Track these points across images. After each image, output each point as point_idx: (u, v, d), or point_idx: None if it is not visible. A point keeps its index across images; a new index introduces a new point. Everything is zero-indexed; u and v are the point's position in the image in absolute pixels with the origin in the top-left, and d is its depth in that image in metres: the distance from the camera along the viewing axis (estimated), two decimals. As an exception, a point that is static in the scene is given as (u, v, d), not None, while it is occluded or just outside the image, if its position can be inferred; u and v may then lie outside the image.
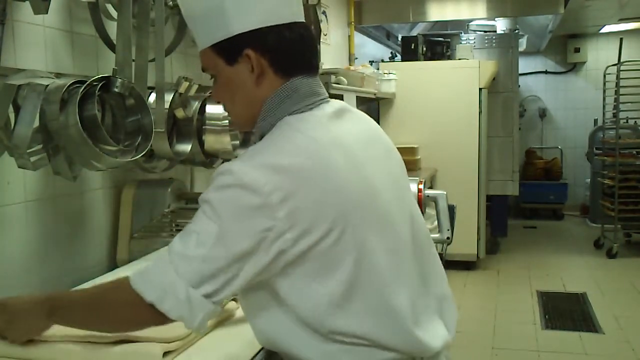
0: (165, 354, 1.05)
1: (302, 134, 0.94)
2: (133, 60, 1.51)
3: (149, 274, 0.92)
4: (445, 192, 2.09)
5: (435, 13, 5.40)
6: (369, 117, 1.14)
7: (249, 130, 1.04)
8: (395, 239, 0.99)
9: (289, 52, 0.96)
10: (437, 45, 5.33)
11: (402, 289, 0.98)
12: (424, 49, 5.28)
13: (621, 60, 5.41)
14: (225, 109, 1.07)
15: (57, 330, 1.09)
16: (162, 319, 0.91)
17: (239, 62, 0.96)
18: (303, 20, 0.99)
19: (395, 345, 0.96)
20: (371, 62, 5.27)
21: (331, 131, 0.97)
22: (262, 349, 1.10)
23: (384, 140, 1.11)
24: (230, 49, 0.95)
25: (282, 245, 0.88)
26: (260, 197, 0.87)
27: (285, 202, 0.87)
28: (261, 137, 0.98)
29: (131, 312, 0.94)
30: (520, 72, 5.65)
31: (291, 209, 0.87)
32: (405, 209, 1.05)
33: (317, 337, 0.95)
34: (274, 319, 0.97)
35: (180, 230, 1.80)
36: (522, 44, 6.45)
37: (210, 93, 1.07)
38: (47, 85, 1.27)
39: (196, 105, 1.82)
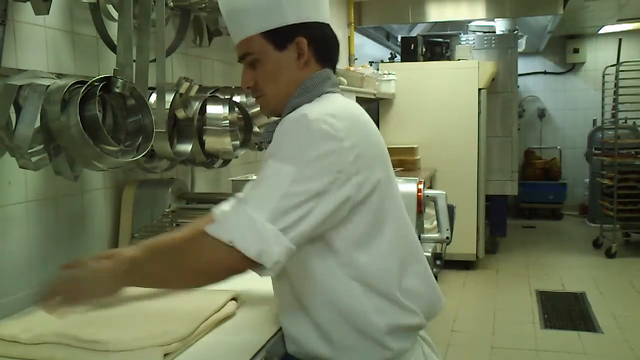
0: (166, 355, 1.05)
1: (347, 102, 1.13)
2: (134, 61, 1.51)
3: (225, 219, 0.97)
4: (444, 192, 2.09)
5: (435, 14, 5.41)
6: None
7: (275, 112, 1.15)
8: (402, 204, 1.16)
9: (327, 46, 1.14)
10: (437, 45, 5.34)
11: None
12: (424, 49, 5.29)
13: (620, 61, 5.42)
14: (259, 92, 1.15)
15: (57, 331, 1.10)
16: (242, 260, 0.94)
17: (288, 48, 1.10)
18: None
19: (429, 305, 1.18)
20: (371, 63, 5.28)
21: (362, 110, 1.15)
22: (262, 349, 1.10)
23: None
24: (283, 36, 1.08)
25: (350, 189, 1.00)
26: (335, 141, 0.99)
27: (353, 148, 1.00)
28: (289, 112, 1.07)
29: (214, 257, 0.97)
30: (519, 72, 5.66)
31: (357, 155, 1.01)
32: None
33: (371, 294, 1.06)
34: (331, 275, 1.05)
35: (180, 230, 1.80)
36: (521, 45, 6.46)
37: (239, 83, 1.18)
38: (48, 86, 1.28)
39: (197, 105, 1.83)
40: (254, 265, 0.96)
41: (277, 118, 1.16)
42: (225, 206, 1.01)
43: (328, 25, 1.14)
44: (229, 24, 1.13)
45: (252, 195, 0.98)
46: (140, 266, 1.05)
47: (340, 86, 3.48)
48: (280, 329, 1.19)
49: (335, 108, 1.05)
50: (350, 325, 1.07)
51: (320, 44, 1.12)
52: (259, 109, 2.05)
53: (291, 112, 1.07)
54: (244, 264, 0.96)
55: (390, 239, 1.08)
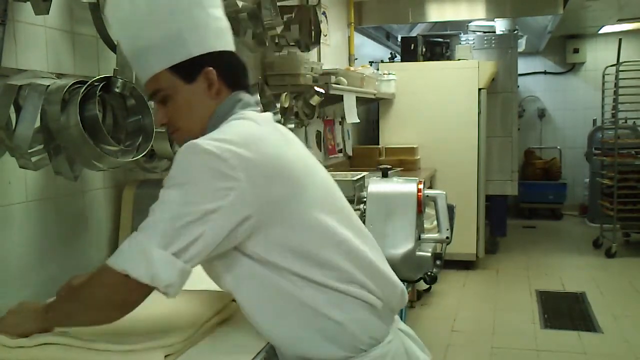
0: (167, 356, 1.05)
1: (248, 120, 1.11)
2: (134, 61, 1.51)
3: (121, 250, 1.00)
4: (444, 192, 2.09)
5: (435, 14, 5.40)
6: None
7: None
8: (335, 202, 1.15)
9: (234, 71, 1.16)
10: (437, 45, 5.34)
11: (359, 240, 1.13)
12: (424, 49, 5.29)
13: (620, 61, 5.42)
14: (174, 127, 1.15)
15: (58, 334, 1.10)
16: (138, 287, 0.97)
17: (197, 80, 1.10)
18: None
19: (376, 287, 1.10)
20: (371, 63, 5.28)
21: (269, 121, 1.16)
22: (262, 350, 1.10)
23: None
24: (190, 69, 1.09)
25: (246, 208, 0.99)
26: (220, 161, 0.98)
27: (242, 164, 0.99)
28: None
29: (111, 289, 1.00)
30: (519, 72, 5.66)
31: (249, 174, 0.99)
32: (335, 188, 1.19)
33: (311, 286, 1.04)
34: (264, 283, 1.05)
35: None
36: (521, 45, 6.46)
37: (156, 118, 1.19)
38: (48, 86, 1.28)
39: (196, 105, 1.83)
40: (151, 290, 0.98)
41: None
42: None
43: (233, 52, 1.16)
44: (135, 63, 1.14)
45: (144, 223, 1.00)
46: (55, 306, 1.10)
47: (340, 86, 3.44)
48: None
49: (226, 132, 1.05)
50: (310, 327, 1.06)
51: (227, 71, 1.14)
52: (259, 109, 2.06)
53: None
54: (141, 290, 0.98)
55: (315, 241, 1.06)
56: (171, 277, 0.96)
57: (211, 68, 1.10)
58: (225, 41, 1.15)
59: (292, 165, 1.08)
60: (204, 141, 1.00)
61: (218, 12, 1.15)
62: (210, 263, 1.06)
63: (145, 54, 1.09)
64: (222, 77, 1.12)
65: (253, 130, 1.08)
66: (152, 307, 1.26)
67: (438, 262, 2.23)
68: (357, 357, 1.08)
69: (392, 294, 1.16)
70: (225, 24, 1.16)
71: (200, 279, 1.53)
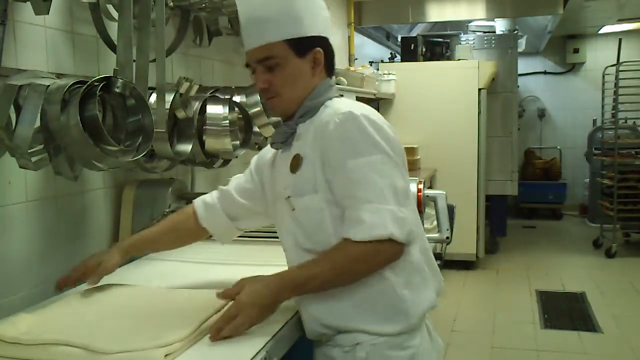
0: (167, 355, 1.05)
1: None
2: (134, 61, 1.52)
3: (367, 222, 1.11)
4: (444, 192, 2.09)
5: (435, 14, 5.41)
6: None
7: (287, 112, 1.27)
8: None
9: (333, 58, 1.30)
10: (437, 45, 5.34)
11: None
12: (424, 49, 5.29)
13: (620, 61, 5.42)
14: (273, 93, 1.24)
15: (59, 332, 1.10)
16: (394, 248, 1.13)
17: (306, 56, 1.23)
18: None
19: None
20: (371, 63, 5.28)
21: None
22: (261, 349, 1.10)
23: None
24: (304, 45, 1.22)
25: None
26: (383, 127, 1.19)
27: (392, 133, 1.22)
28: (304, 114, 1.25)
29: (375, 257, 1.14)
30: (519, 72, 5.66)
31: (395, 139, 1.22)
32: None
33: None
34: None
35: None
36: (521, 45, 6.46)
37: (253, 84, 1.37)
38: (48, 86, 1.28)
39: (197, 105, 1.83)
40: (402, 247, 1.14)
41: (275, 120, 1.31)
42: (360, 214, 1.13)
43: (330, 40, 1.29)
44: (250, 29, 1.23)
45: (372, 195, 1.12)
46: (303, 286, 1.17)
47: (340, 86, 3.51)
48: (280, 329, 1.19)
49: (360, 106, 1.22)
50: (381, 297, 1.17)
51: (329, 56, 1.27)
52: (259, 109, 2.06)
53: (305, 113, 1.24)
54: (395, 249, 1.14)
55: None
56: (411, 224, 1.15)
57: (320, 49, 1.23)
58: (329, 30, 1.28)
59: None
60: (357, 111, 1.17)
61: (324, 4, 1.27)
62: (323, 212, 1.18)
63: (265, 23, 1.20)
64: (325, 59, 1.25)
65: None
66: (152, 307, 1.26)
67: (438, 262, 2.23)
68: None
69: None
70: (328, 14, 1.29)
71: (198, 279, 1.54)
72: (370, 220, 1.10)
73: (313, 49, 1.23)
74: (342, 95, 1.33)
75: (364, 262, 1.13)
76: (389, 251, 1.13)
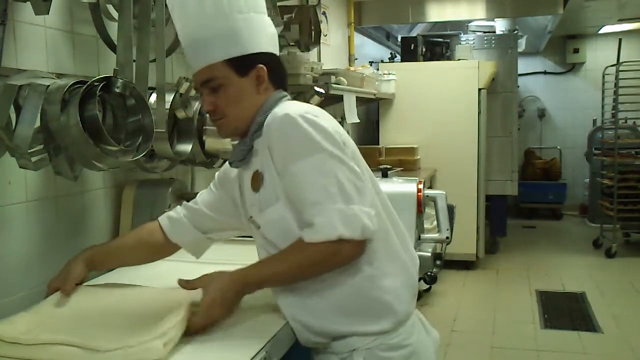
0: (165, 344, 1.06)
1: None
2: (134, 61, 1.52)
3: (319, 224, 1.10)
4: (444, 192, 2.10)
5: (435, 14, 5.40)
6: None
7: (237, 132, 1.27)
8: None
9: (280, 72, 1.29)
10: (437, 45, 5.34)
11: None
12: (424, 49, 5.29)
13: (620, 61, 5.42)
14: (219, 114, 1.24)
15: (58, 332, 1.10)
16: (352, 247, 1.12)
17: (249, 74, 1.21)
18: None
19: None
20: (371, 63, 5.28)
21: None
22: (261, 349, 1.10)
23: None
24: (245, 63, 1.21)
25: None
26: (324, 123, 1.16)
27: (335, 126, 1.20)
28: (257, 130, 1.22)
29: (328, 260, 1.13)
30: (519, 72, 5.66)
31: (336, 131, 1.19)
32: None
33: None
34: None
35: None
36: (521, 45, 6.46)
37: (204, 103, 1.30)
38: (48, 86, 1.28)
39: (197, 105, 1.83)
40: (363, 245, 1.13)
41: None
42: (313, 218, 1.12)
43: (279, 56, 1.29)
44: (192, 51, 1.23)
45: (315, 197, 1.11)
46: (264, 282, 1.19)
47: (340, 86, 3.49)
48: (280, 329, 1.19)
49: (298, 106, 1.20)
50: (362, 294, 1.17)
51: (275, 70, 1.26)
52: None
53: (258, 128, 1.21)
54: (354, 248, 1.12)
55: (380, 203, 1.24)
56: (369, 222, 1.12)
57: (262, 66, 1.22)
58: (274, 45, 1.27)
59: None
60: (293, 111, 1.15)
61: (269, 21, 1.27)
62: (286, 219, 1.17)
63: (205, 44, 1.19)
64: (270, 75, 1.24)
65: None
66: (143, 302, 1.27)
67: (438, 262, 2.24)
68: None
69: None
70: (274, 30, 1.28)
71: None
72: (319, 223, 1.10)
73: (255, 66, 1.21)
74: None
75: (322, 262, 1.14)
76: (345, 250, 1.12)
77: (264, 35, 1.24)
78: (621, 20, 6.17)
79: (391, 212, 1.27)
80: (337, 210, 1.09)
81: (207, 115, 1.30)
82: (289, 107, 1.18)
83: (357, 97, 3.58)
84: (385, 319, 1.18)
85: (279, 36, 2.66)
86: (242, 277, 1.18)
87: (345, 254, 1.13)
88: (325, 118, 1.18)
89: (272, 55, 1.25)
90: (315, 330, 1.19)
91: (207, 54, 1.19)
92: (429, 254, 2.18)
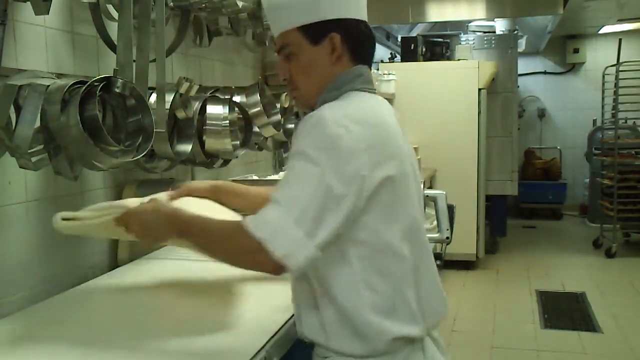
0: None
1: (369, 99, 1.15)
2: (134, 61, 1.52)
3: (261, 216, 1.01)
4: (444, 192, 2.10)
5: (435, 14, 5.40)
6: None
7: (308, 106, 1.17)
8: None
9: (361, 42, 1.16)
10: (437, 45, 5.33)
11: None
12: (424, 49, 5.28)
13: (620, 61, 5.42)
14: (293, 85, 1.17)
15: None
16: (267, 259, 0.98)
17: (322, 43, 1.12)
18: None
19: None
20: (371, 63, 5.26)
21: (387, 108, 1.18)
22: (261, 349, 1.10)
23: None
24: (317, 31, 1.11)
25: (364, 189, 1.02)
26: (351, 144, 1.01)
27: (367, 149, 1.02)
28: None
29: (243, 253, 1.04)
30: (519, 72, 5.66)
31: (371, 156, 1.03)
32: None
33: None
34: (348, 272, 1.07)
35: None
36: (521, 45, 6.45)
37: (275, 73, 1.26)
38: (48, 86, 1.28)
39: (197, 105, 1.83)
40: (278, 267, 0.99)
41: (275, 120, 1.21)
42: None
43: (364, 22, 1.17)
44: (269, 17, 1.18)
45: (283, 196, 1.01)
46: (189, 233, 1.12)
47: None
48: (280, 329, 1.19)
49: (354, 110, 1.08)
50: (344, 315, 1.08)
51: (354, 40, 1.14)
52: (259, 109, 2.06)
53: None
54: (269, 263, 0.99)
55: (399, 236, 1.09)
56: (305, 261, 0.99)
57: (336, 33, 1.11)
58: (357, 10, 1.15)
59: (403, 152, 1.11)
60: (333, 116, 1.03)
61: None
62: None
63: (279, 10, 1.14)
64: (347, 45, 1.13)
65: (376, 111, 1.12)
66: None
67: (438, 262, 2.23)
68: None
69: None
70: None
71: (204, 277, 1.53)
72: (261, 216, 1.01)
73: (328, 34, 1.11)
74: (370, 90, 1.16)
75: (242, 255, 1.05)
76: (259, 257, 0.99)
77: (339, 4, 1.12)
78: (621, 20, 6.17)
79: (414, 245, 1.12)
80: (282, 222, 0.99)
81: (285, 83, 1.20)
82: (339, 107, 1.07)
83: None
84: (360, 345, 1.08)
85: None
86: (172, 217, 1.13)
87: (257, 260, 1.01)
88: (359, 133, 1.02)
89: (354, 22, 1.14)
90: (303, 333, 1.16)
91: (280, 20, 1.14)
92: (429, 254, 2.18)
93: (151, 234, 1.16)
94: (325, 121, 1.02)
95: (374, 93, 1.18)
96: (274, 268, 1.00)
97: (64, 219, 1.25)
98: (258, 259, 1.00)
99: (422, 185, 1.28)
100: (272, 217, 1.00)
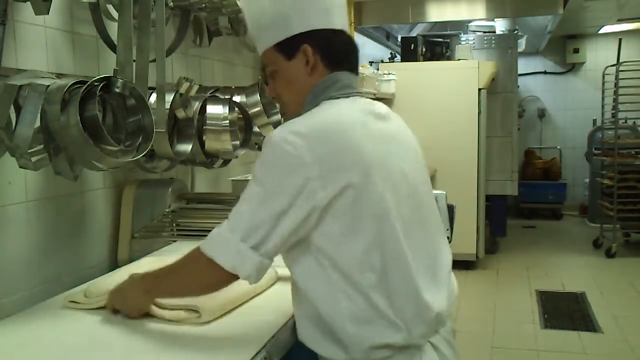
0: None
1: (333, 107, 1.14)
2: (134, 61, 1.51)
3: (212, 236, 1.10)
4: (444, 192, 2.09)
5: (435, 14, 5.40)
6: (404, 125, 1.29)
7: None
8: (412, 210, 1.15)
9: (335, 50, 1.18)
10: (437, 45, 5.34)
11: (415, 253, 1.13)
12: (424, 49, 5.29)
13: (620, 61, 5.42)
14: (281, 101, 1.24)
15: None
16: (222, 272, 1.07)
17: (296, 57, 1.16)
18: (348, 32, 1.22)
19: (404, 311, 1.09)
20: (371, 63, 5.28)
21: (356, 113, 1.15)
22: (262, 349, 1.10)
23: (410, 144, 1.26)
24: (289, 46, 1.16)
25: (315, 201, 1.04)
26: (296, 160, 1.03)
27: (317, 162, 1.03)
28: None
29: (201, 274, 1.13)
30: (519, 72, 5.65)
31: (322, 168, 1.03)
32: (419, 206, 1.19)
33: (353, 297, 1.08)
34: (319, 277, 1.10)
35: (180, 230, 1.81)
36: (521, 45, 6.45)
37: (264, 88, 1.30)
38: (48, 86, 1.28)
39: (197, 105, 1.83)
40: (232, 277, 1.08)
41: (275, 120, 1.26)
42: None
43: (340, 30, 1.18)
44: (255, 41, 1.23)
45: (232, 213, 1.09)
46: (155, 283, 1.22)
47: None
48: (279, 329, 1.19)
49: (305, 124, 1.08)
50: (326, 323, 1.10)
51: (326, 48, 1.16)
52: (259, 109, 2.06)
53: None
54: (226, 276, 1.08)
55: (364, 246, 1.07)
56: (251, 270, 1.06)
57: (307, 45, 1.14)
58: (328, 20, 1.16)
59: (370, 159, 1.08)
60: (281, 134, 1.06)
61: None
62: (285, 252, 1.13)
63: (258, 31, 1.20)
64: (320, 55, 1.16)
65: (338, 118, 1.11)
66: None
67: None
68: None
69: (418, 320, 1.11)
70: (335, 2, 1.18)
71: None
72: (211, 234, 1.10)
73: (300, 47, 1.15)
74: (348, 95, 1.17)
75: (200, 274, 1.13)
76: (216, 274, 1.08)
77: (314, 12, 1.15)
78: (621, 20, 6.16)
79: (391, 250, 1.09)
80: (229, 238, 1.06)
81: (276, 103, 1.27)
82: (283, 126, 1.08)
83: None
84: (339, 352, 1.10)
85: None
86: (140, 279, 1.23)
87: (212, 275, 1.09)
88: (306, 147, 1.03)
89: (324, 32, 1.16)
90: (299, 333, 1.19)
91: (260, 41, 1.20)
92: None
93: (132, 306, 1.24)
94: (272, 141, 1.06)
95: (355, 96, 1.18)
96: (228, 278, 1.09)
97: (70, 301, 1.34)
98: (213, 273, 1.08)
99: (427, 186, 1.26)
100: (219, 233, 1.08)
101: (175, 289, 1.20)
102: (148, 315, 1.24)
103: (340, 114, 1.13)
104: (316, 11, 1.15)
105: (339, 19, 1.19)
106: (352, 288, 1.07)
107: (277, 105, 1.37)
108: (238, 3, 1.29)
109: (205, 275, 1.12)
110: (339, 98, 1.16)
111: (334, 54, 1.17)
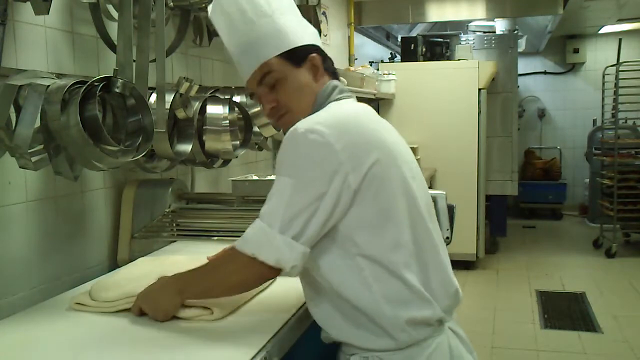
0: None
1: (345, 105, 1.24)
2: (134, 61, 1.51)
3: (246, 235, 1.12)
4: (444, 192, 2.09)
5: (435, 14, 5.41)
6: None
7: None
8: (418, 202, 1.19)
9: (329, 59, 1.29)
10: (437, 45, 5.34)
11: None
12: (424, 49, 5.29)
13: (620, 61, 5.42)
14: (285, 109, 1.24)
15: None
16: (265, 268, 1.09)
17: (304, 64, 1.23)
18: None
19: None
20: (371, 63, 5.28)
21: (362, 109, 1.25)
22: (262, 349, 1.10)
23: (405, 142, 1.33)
24: (298, 54, 1.22)
25: (347, 183, 1.09)
26: (325, 147, 1.08)
27: (345, 148, 1.08)
28: None
29: (241, 272, 1.14)
30: (519, 72, 5.66)
31: (351, 153, 1.09)
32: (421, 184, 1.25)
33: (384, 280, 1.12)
34: (347, 268, 1.13)
35: (180, 230, 1.81)
36: (521, 45, 6.46)
37: (258, 101, 1.32)
38: (48, 86, 1.28)
39: (197, 105, 1.83)
40: (275, 271, 1.10)
41: None
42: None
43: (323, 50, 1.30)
44: (242, 56, 1.23)
45: (264, 211, 1.11)
46: (191, 282, 1.22)
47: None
48: (280, 329, 1.19)
49: (325, 116, 1.15)
50: (360, 312, 1.13)
51: (325, 58, 1.27)
52: (259, 109, 2.06)
53: None
54: (269, 271, 1.10)
55: (401, 218, 1.13)
56: (296, 260, 1.08)
57: (315, 54, 1.23)
58: (317, 41, 1.28)
59: (387, 140, 1.17)
60: (304, 127, 1.10)
61: (307, 23, 1.29)
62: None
63: (255, 45, 1.21)
64: (323, 63, 1.25)
65: (349, 112, 1.20)
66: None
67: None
68: (393, 352, 1.14)
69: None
70: (315, 30, 1.30)
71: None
72: (247, 234, 1.11)
73: (307, 56, 1.22)
74: (347, 97, 1.27)
75: (240, 274, 1.14)
76: (258, 270, 1.10)
77: (309, 31, 1.26)
78: (621, 20, 6.17)
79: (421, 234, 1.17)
80: (267, 232, 1.08)
81: (268, 115, 1.27)
82: (312, 118, 1.13)
83: (357, 97, 3.58)
84: (382, 339, 1.14)
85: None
86: (171, 281, 1.23)
87: (255, 272, 1.12)
88: (333, 135, 1.08)
89: (319, 47, 1.27)
90: (325, 333, 1.23)
91: (260, 52, 1.21)
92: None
93: (160, 308, 1.22)
94: (297, 133, 1.10)
95: (352, 98, 1.28)
96: (272, 273, 1.10)
97: (77, 303, 1.32)
98: (255, 271, 1.11)
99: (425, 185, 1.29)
100: (255, 232, 1.10)
101: (212, 289, 1.20)
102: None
103: (351, 108, 1.22)
104: (310, 33, 1.26)
105: (320, 42, 1.30)
106: (383, 269, 1.12)
107: (270, 119, 1.37)
108: (218, 30, 1.28)
109: (246, 274, 1.13)
110: (341, 100, 1.24)
111: (329, 62, 1.28)
